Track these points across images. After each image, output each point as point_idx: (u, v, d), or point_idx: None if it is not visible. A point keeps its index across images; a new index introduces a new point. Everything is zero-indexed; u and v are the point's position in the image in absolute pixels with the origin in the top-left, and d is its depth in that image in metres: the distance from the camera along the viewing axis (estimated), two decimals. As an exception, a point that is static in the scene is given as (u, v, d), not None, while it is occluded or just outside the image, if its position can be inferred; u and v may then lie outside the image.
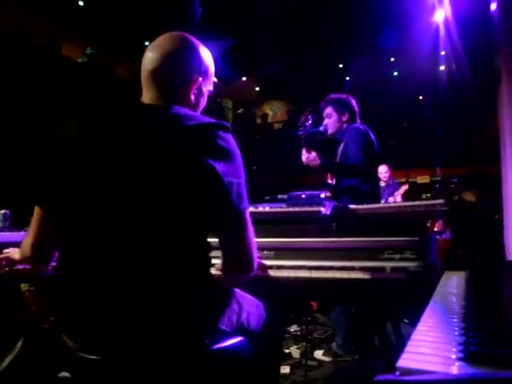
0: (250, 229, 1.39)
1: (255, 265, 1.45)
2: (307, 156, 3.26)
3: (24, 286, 2.51)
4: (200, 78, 1.47)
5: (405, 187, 6.45)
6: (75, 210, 1.30)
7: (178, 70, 1.44)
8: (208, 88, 1.54)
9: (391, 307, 2.74)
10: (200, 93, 1.50)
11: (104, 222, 1.27)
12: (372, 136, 3.35)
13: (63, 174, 1.31)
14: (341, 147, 3.42)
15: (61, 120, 1.37)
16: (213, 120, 1.34)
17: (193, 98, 1.47)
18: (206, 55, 1.51)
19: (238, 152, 1.35)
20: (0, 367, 2.24)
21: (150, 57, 1.43)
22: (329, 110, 3.46)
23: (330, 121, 3.44)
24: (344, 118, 3.42)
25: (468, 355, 0.60)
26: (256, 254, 1.44)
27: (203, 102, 1.54)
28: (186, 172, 1.25)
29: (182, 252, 1.29)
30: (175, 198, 1.25)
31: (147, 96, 1.44)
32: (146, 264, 1.25)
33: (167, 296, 1.26)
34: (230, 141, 1.33)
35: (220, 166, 1.26)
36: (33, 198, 1.40)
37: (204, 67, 1.49)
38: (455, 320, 0.83)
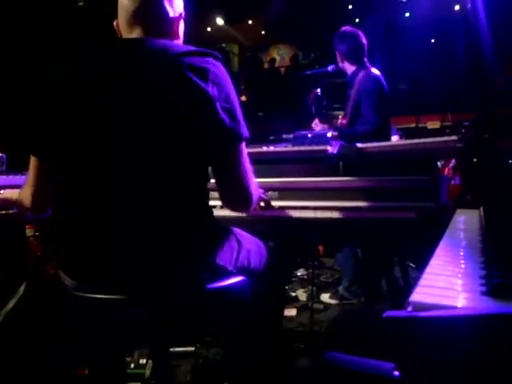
0: (246, 159, 1.34)
1: (254, 197, 1.40)
2: (322, 127, 3.12)
3: (29, 231, 2.49)
4: (182, 13, 1.45)
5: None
6: (70, 153, 1.27)
7: (161, 6, 1.38)
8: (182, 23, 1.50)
9: (400, 249, 2.67)
10: (179, 23, 1.46)
11: (99, 159, 1.23)
12: (384, 84, 3.14)
13: (55, 119, 1.28)
14: (352, 94, 3.19)
15: (50, 64, 1.34)
16: (203, 48, 1.30)
17: (179, 32, 1.45)
18: None
19: (229, 80, 1.31)
20: (4, 310, 2.25)
21: None
22: (337, 55, 3.23)
23: (343, 65, 3.21)
24: (347, 53, 3.12)
25: (492, 288, 0.53)
26: (254, 186, 1.39)
27: (182, 33, 1.50)
28: (178, 96, 1.21)
29: (179, 186, 1.25)
30: (169, 127, 1.21)
31: (129, 36, 1.38)
32: (141, 200, 1.21)
33: (164, 231, 1.23)
34: (221, 69, 1.30)
35: (213, 90, 1.22)
36: (27, 148, 1.36)
37: (181, 4, 1.47)
38: (472, 254, 0.75)
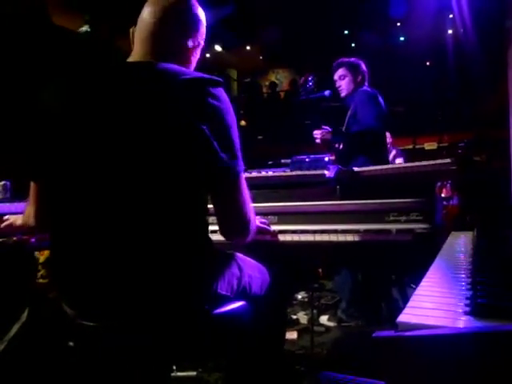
0: (245, 190, 1.34)
1: (252, 227, 1.40)
2: (322, 131, 3.18)
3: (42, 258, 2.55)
4: (199, 37, 1.45)
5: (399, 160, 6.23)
6: (67, 180, 1.27)
7: (178, 24, 1.40)
8: (198, 52, 1.50)
9: (397, 270, 2.69)
10: (195, 52, 1.47)
11: (97, 188, 1.23)
12: (381, 99, 3.26)
13: (52, 145, 1.28)
14: (349, 113, 3.32)
15: (49, 88, 1.33)
16: (204, 75, 1.27)
17: (190, 55, 1.45)
18: (203, 15, 1.48)
19: (229, 109, 1.29)
20: (7, 336, 2.26)
21: (150, 10, 1.37)
22: (342, 71, 3.35)
23: (344, 82, 3.34)
24: (358, 79, 3.34)
25: (475, 308, 0.56)
26: (252, 216, 1.39)
27: (195, 61, 1.50)
28: (175, 131, 1.20)
29: (178, 216, 1.25)
30: (166, 160, 1.21)
31: (140, 51, 1.38)
32: (141, 229, 1.21)
33: (164, 260, 1.22)
34: (222, 97, 1.28)
35: (210, 127, 1.21)
36: (25, 172, 1.38)
37: (202, 27, 1.47)
38: (462, 276, 0.79)
